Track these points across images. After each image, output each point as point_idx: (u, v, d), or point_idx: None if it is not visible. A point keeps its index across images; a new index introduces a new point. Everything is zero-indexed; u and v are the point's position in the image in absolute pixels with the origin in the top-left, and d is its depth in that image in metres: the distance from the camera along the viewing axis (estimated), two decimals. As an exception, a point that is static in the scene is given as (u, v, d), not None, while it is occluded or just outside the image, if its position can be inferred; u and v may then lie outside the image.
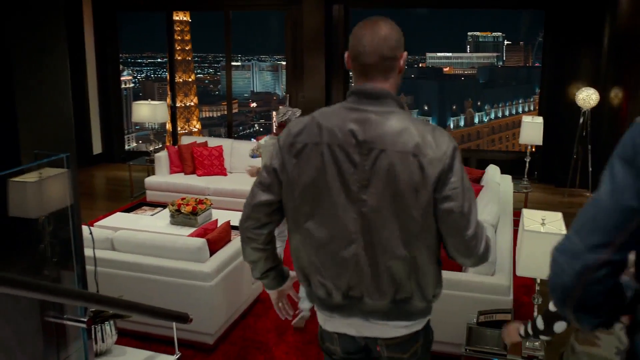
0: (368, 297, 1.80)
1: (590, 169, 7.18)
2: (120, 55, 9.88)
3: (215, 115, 24.22)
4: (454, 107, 21.41)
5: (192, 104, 22.67)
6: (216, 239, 4.07)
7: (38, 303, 2.16)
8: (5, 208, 2.28)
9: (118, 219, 5.65)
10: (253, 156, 5.07)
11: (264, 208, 1.84)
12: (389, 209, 1.70)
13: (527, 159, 6.58)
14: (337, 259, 1.79)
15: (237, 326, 4.18)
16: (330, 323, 1.93)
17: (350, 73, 2.00)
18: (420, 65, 23.22)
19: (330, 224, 1.76)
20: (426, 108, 21.38)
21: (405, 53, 1.78)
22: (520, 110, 21.77)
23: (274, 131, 5.04)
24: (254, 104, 24.43)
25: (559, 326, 2.16)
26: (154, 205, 6.36)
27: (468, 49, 22.83)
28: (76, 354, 2.34)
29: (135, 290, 3.79)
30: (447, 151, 1.68)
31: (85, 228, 2.66)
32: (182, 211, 5.42)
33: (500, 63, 22.80)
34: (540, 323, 2.24)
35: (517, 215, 3.73)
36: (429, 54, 22.82)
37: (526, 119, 6.54)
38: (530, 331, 2.29)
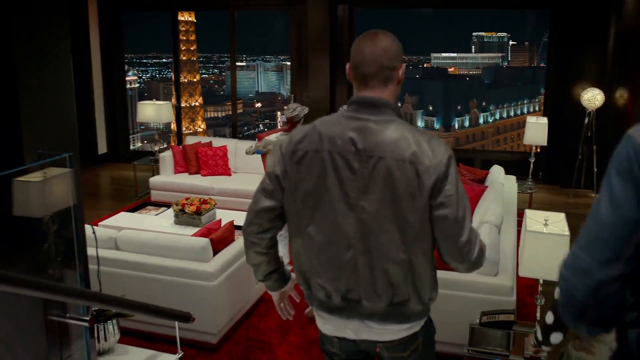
0: (366, 300, 1.85)
1: (596, 170, 7.15)
2: (126, 55, 9.92)
3: (220, 115, 24.25)
4: (459, 108, 21.36)
5: (197, 104, 22.71)
6: (220, 239, 4.08)
7: (41, 302, 2.17)
8: (9, 208, 2.29)
9: (122, 219, 5.67)
10: (258, 152, 5.08)
11: (266, 214, 1.90)
12: (386, 215, 1.76)
13: (532, 160, 6.57)
14: (336, 263, 1.84)
15: (240, 326, 4.18)
16: (329, 327, 1.97)
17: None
18: (424, 65, 23.18)
19: (330, 229, 1.82)
20: (431, 108, 21.35)
21: (404, 65, 1.85)
22: (525, 110, 21.70)
23: (283, 127, 5.07)
24: (258, 104, 24.46)
25: (555, 337, 2.21)
26: (159, 205, 6.38)
27: (473, 49, 22.78)
28: (79, 353, 2.35)
29: (139, 289, 3.80)
30: (442, 159, 1.75)
31: (88, 227, 2.67)
32: (186, 211, 5.44)
33: (505, 63, 22.73)
34: (539, 334, 2.28)
35: (521, 215, 3.73)
36: (433, 54, 22.78)
37: (531, 119, 6.53)
38: (533, 341, 2.33)
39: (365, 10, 9.93)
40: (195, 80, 22.71)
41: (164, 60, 24.27)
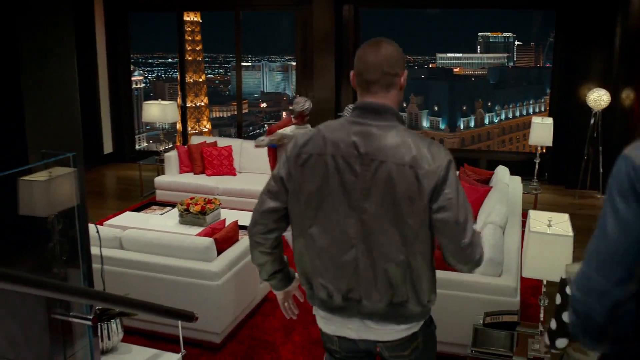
0: (366, 300, 1.89)
1: (602, 171, 7.12)
2: (132, 55, 9.94)
3: (225, 115, 24.29)
4: (464, 108, 21.30)
5: (203, 104, 22.74)
6: (224, 239, 4.09)
7: (45, 300, 2.19)
8: (15, 207, 2.31)
9: (127, 218, 5.70)
10: (273, 145, 5.12)
11: (271, 215, 1.95)
12: (387, 217, 1.82)
13: (537, 160, 6.55)
14: (338, 263, 1.89)
15: (244, 325, 4.19)
16: (330, 326, 2.02)
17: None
18: (430, 65, 23.13)
19: (332, 230, 1.87)
20: (436, 109, 21.30)
21: (406, 72, 1.90)
22: (530, 111, 21.62)
23: (295, 121, 5.09)
24: (264, 104, 24.48)
25: (561, 342, 2.29)
26: (164, 204, 6.40)
27: (478, 49, 22.71)
28: (82, 351, 2.36)
29: (143, 289, 3.81)
30: (441, 164, 1.80)
31: (92, 227, 2.68)
32: (191, 211, 5.45)
33: (511, 64, 22.65)
34: (546, 339, 2.32)
35: (525, 216, 3.72)
36: (439, 55, 22.71)
37: (536, 120, 6.51)
38: (545, 343, 2.40)
39: (371, 10, 9.93)
40: (200, 80, 22.75)
41: (170, 60, 24.33)
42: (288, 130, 5.07)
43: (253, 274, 4.26)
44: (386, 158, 1.79)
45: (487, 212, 4.25)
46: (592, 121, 7.07)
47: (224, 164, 7.34)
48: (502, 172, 5.40)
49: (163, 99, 9.52)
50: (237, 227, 4.38)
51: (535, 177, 6.60)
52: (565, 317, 2.49)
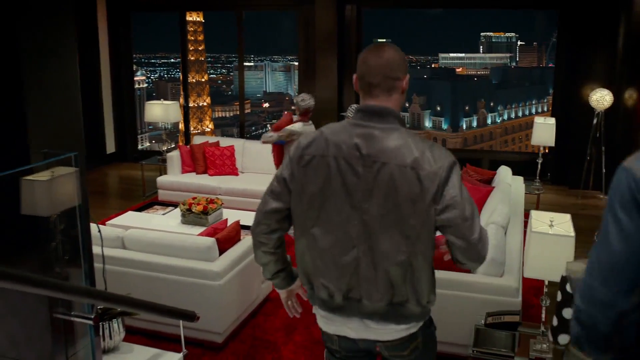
0: (366, 299, 1.91)
1: (604, 171, 7.11)
2: (134, 55, 9.96)
3: (228, 115, 24.31)
4: (467, 108, 21.28)
5: (205, 104, 22.77)
6: (226, 238, 4.09)
7: (46, 300, 2.19)
8: (17, 206, 2.31)
9: (130, 218, 5.71)
10: (281, 142, 5.14)
11: (274, 215, 1.98)
12: (388, 217, 1.83)
13: (539, 160, 6.54)
14: (339, 263, 1.91)
15: (246, 325, 4.19)
16: (330, 325, 2.04)
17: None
18: (432, 65, 23.12)
19: (334, 230, 1.89)
20: (438, 109, 21.28)
21: (408, 76, 1.92)
22: (533, 111, 21.59)
23: (300, 118, 5.12)
24: (266, 104, 24.50)
25: (563, 339, 2.32)
26: (166, 204, 6.41)
27: (481, 49, 22.69)
28: (84, 351, 2.37)
29: (145, 288, 3.82)
30: (443, 165, 1.81)
31: (94, 226, 2.69)
32: (193, 210, 5.46)
33: (514, 64, 22.63)
34: (549, 335, 2.33)
35: (528, 216, 3.72)
36: (441, 55, 22.70)
37: (538, 120, 6.51)
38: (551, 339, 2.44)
39: (373, 10, 9.93)
40: (203, 80, 22.77)
41: (172, 60, 24.37)
42: (296, 126, 5.10)
43: (255, 273, 4.27)
44: (388, 160, 1.81)
45: (489, 212, 4.24)
46: (594, 121, 7.06)
47: (226, 164, 7.35)
48: (504, 172, 5.39)
49: (165, 99, 9.55)
50: (239, 227, 4.38)
51: (537, 177, 6.59)
52: (567, 313, 2.52)
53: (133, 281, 3.88)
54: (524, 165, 7.45)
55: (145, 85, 23.51)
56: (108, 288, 3.22)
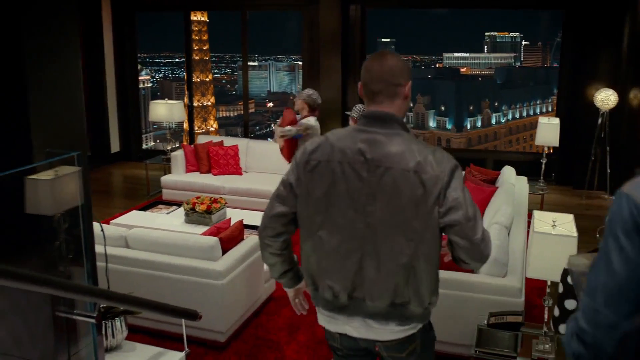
0: (369, 300, 1.95)
1: (609, 171, 7.09)
2: (139, 55, 9.99)
3: (232, 114, 24.36)
4: (471, 108, 21.24)
5: (209, 103, 22.81)
6: (229, 238, 4.09)
7: (49, 298, 2.20)
8: (21, 206, 2.32)
9: (134, 217, 5.72)
10: (297, 136, 5.24)
11: (280, 219, 2.04)
12: (392, 220, 1.89)
13: (543, 161, 6.52)
14: (344, 264, 1.96)
15: (249, 324, 4.20)
16: (333, 324, 2.08)
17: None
18: (437, 65, 23.09)
19: (339, 232, 1.94)
20: (443, 108, 21.25)
21: (410, 82, 1.98)
22: (538, 111, 21.54)
23: (307, 113, 5.20)
24: (270, 104, 24.53)
25: (563, 328, 2.35)
26: (170, 203, 6.42)
27: (485, 49, 22.65)
28: (86, 349, 2.38)
29: (149, 287, 3.83)
30: (445, 169, 1.87)
31: (97, 225, 2.70)
32: (197, 210, 5.47)
33: (518, 63, 22.59)
34: (551, 325, 2.36)
35: (531, 217, 3.71)
36: (445, 54, 22.67)
37: (542, 120, 6.49)
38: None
39: (378, 10, 9.93)
40: (207, 79, 22.81)
41: (177, 59, 24.43)
42: (312, 121, 5.27)
43: (258, 273, 4.27)
44: (391, 164, 1.87)
45: (492, 213, 4.23)
46: (599, 121, 7.03)
47: (230, 164, 7.36)
48: (508, 173, 5.38)
49: (170, 99, 9.53)
50: (242, 226, 4.39)
51: (541, 178, 6.57)
52: (568, 304, 2.57)
53: (136, 280, 3.90)
54: (528, 166, 7.43)
55: (150, 84, 23.58)
56: (111, 287, 3.23)
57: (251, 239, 4.26)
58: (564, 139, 6.68)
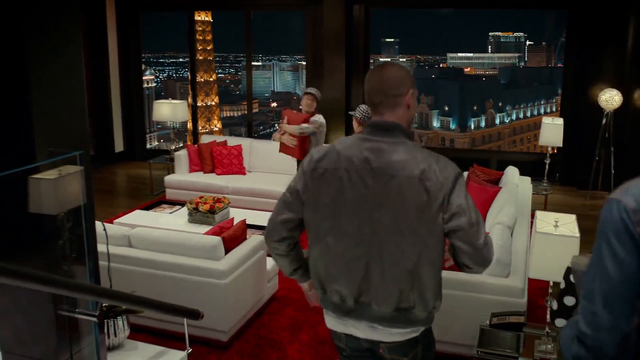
0: (375, 304, 2.01)
1: (613, 172, 7.06)
2: (143, 55, 10.01)
3: (236, 114, 24.38)
4: (475, 108, 21.20)
5: (213, 103, 22.83)
6: (232, 237, 4.10)
7: (51, 297, 2.21)
8: (25, 205, 2.33)
9: (137, 217, 5.74)
10: (314, 133, 5.38)
11: (285, 225, 2.10)
12: (397, 227, 1.93)
13: (547, 161, 6.51)
14: (351, 269, 2.01)
15: (252, 324, 4.21)
16: (339, 325, 2.13)
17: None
18: (440, 65, 23.05)
19: (346, 238, 2.00)
20: (446, 108, 21.21)
21: (411, 91, 2.02)
22: (542, 111, 21.49)
23: (314, 111, 5.33)
24: (274, 104, 24.54)
25: (559, 322, 2.51)
26: (173, 203, 6.44)
27: (489, 49, 22.60)
28: (88, 348, 2.39)
29: (151, 287, 3.84)
30: (449, 176, 1.92)
31: (99, 225, 2.70)
32: (200, 209, 5.48)
33: (522, 64, 22.53)
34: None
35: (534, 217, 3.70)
36: (449, 54, 22.63)
37: (546, 120, 6.48)
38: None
39: (381, 10, 9.92)
40: (211, 79, 22.83)
41: (181, 59, 24.47)
42: (322, 118, 5.43)
43: (260, 272, 4.28)
44: (396, 172, 1.92)
45: (495, 213, 4.23)
46: (603, 122, 7.01)
47: (233, 163, 7.37)
48: (511, 173, 5.36)
49: (174, 98, 9.59)
50: (245, 226, 4.39)
51: (545, 178, 6.56)
52: (567, 301, 2.62)
53: (139, 279, 3.91)
54: (532, 166, 7.41)
55: (154, 84, 23.62)
56: (114, 286, 3.23)
57: (254, 239, 4.27)
58: (568, 139, 6.67)
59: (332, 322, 2.15)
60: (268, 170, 7.26)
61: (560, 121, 6.40)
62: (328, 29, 8.23)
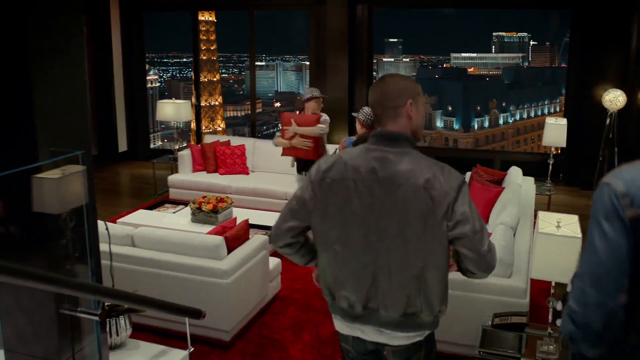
0: (383, 310, 2.05)
1: (616, 172, 7.03)
2: (147, 55, 10.03)
3: (239, 114, 24.41)
4: (478, 108, 21.18)
5: (217, 103, 22.87)
6: (234, 237, 4.10)
7: (53, 296, 2.22)
8: (29, 204, 2.34)
9: (141, 216, 5.75)
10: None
11: (290, 232, 2.15)
12: (403, 234, 1.98)
13: (551, 161, 6.49)
14: (359, 276, 2.06)
15: (254, 324, 4.21)
16: (347, 329, 2.18)
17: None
18: (444, 65, 23.03)
19: (354, 246, 2.04)
20: (450, 108, 21.19)
21: (410, 101, 2.05)
22: (545, 111, 21.45)
23: (319, 112, 5.34)
24: (277, 104, 24.56)
25: (559, 322, 2.44)
26: (177, 202, 6.45)
27: (493, 49, 22.57)
28: (90, 347, 2.39)
29: (154, 286, 3.85)
30: (453, 185, 1.96)
31: (101, 224, 2.71)
32: (203, 209, 5.49)
33: (526, 64, 22.50)
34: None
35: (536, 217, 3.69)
36: (453, 54, 22.61)
37: (550, 120, 6.46)
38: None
39: (385, 10, 9.91)
40: (215, 79, 22.87)
41: (185, 59, 24.52)
42: (328, 118, 5.43)
43: (263, 272, 4.28)
44: (402, 181, 1.96)
45: (498, 213, 4.22)
46: (607, 122, 6.99)
47: (236, 163, 7.38)
48: (514, 173, 5.36)
49: (177, 98, 9.58)
50: (247, 226, 4.39)
51: (548, 178, 6.54)
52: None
53: (142, 279, 3.91)
54: (535, 166, 7.39)
55: (158, 84, 23.67)
56: (117, 285, 3.24)
57: (257, 239, 4.27)
58: (571, 139, 6.65)
59: (340, 326, 2.19)
60: (271, 170, 7.27)
61: (564, 121, 6.38)
62: (331, 29, 8.23)
